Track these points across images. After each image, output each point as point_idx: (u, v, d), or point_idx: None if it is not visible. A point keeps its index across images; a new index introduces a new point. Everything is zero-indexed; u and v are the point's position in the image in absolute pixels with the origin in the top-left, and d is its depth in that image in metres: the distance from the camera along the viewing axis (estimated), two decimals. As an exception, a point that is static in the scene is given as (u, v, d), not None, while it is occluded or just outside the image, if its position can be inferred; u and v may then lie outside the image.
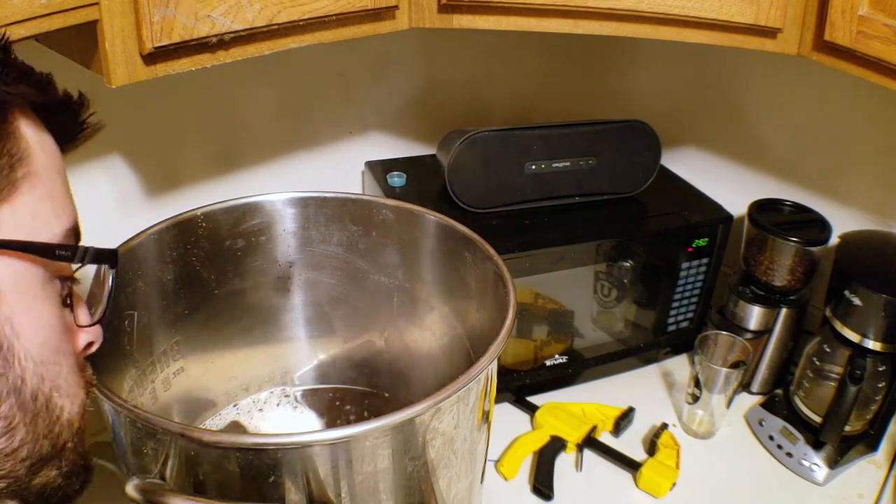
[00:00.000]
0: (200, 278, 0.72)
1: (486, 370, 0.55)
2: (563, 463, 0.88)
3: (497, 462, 0.86)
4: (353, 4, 0.62)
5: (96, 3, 0.49)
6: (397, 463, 0.53)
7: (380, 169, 1.02)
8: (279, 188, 0.75)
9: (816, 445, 0.86)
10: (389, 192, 0.97)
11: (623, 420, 0.92)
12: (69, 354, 0.42)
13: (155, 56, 0.54)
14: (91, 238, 0.81)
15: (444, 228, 0.71)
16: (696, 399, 0.91)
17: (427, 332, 0.77)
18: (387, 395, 0.83)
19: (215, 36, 0.55)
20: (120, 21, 0.50)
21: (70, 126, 0.45)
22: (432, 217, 0.71)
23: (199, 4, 0.53)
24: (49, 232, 0.40)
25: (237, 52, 0.59)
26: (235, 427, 0.79)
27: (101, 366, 0.59)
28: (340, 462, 0.51)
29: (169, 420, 0.49)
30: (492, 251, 0.66)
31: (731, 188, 1.04)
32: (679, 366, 1.04)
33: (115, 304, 0.63)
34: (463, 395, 0.54)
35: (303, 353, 0.83)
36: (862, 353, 0.83)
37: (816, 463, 0.86)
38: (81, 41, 0.53)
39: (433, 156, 1.01)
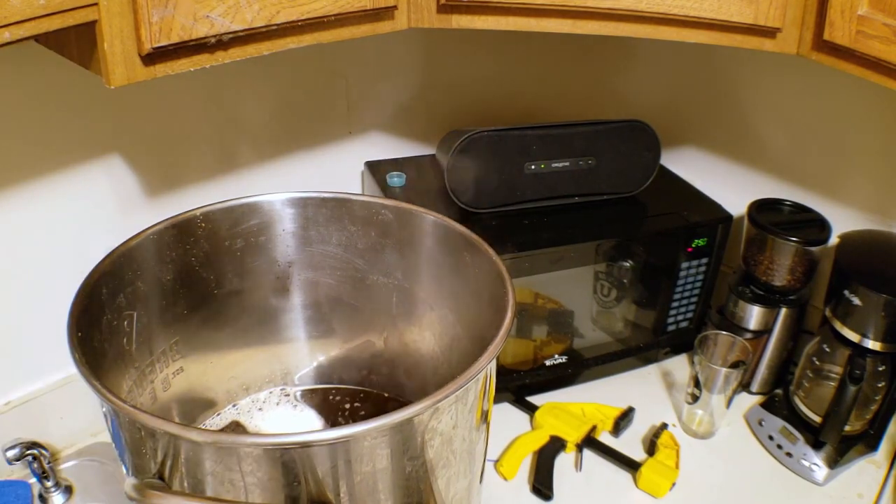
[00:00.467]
0: (200, 278, 0.72)
1: (485, 370, 0.55)
2: (563, 463, 0.88)
3: (497, 462, 0.86)
4: (351, 4, 0.62)
5: (95, 4, 0.49)
6: (396, 463, 0.53)
7: (379, 169, 1.02)
8: (278, 188, 0.75)
9: (816, 445, 0.86)
10: (389, 192, 0.97)
11: (623, 420, 0.92)
12: None
13: (154, 56, 0.54)
14: (91, 238, 0.81)
15: (443, 228, 0.71)
16: (695, 399, 0.91)
17: (426, 332, 0.77)
18: (386, 394, 0.83)
19: (214, 36, 0.55)
20: (119, 21, 0.50)
21: None
22: (431, 217, 0.71)
23: (198, 5, 0.53)
24: None
25: (236, 53, 0.59)
26: (235, 427, 0.79)
27: (100, 366, 0.59)
28: (339, 462, 0.51)
29: (168, 420, 0.49)
30: (491, 251, 0.66)
31: (731, 188, 1.04)
32: (679, 366, 1.04)
33: (115, 304, 0.64)
34: (461, 394, 0.54)
35: (302, 353, 0.83)
36: (862, 353, 0.83)
37: (816, 463, 0.86)
38: (80, 42, 0.53)
39: (433, 156, 1.02)
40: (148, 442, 0.51)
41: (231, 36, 0.57)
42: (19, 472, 0.80)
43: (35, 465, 0.75)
